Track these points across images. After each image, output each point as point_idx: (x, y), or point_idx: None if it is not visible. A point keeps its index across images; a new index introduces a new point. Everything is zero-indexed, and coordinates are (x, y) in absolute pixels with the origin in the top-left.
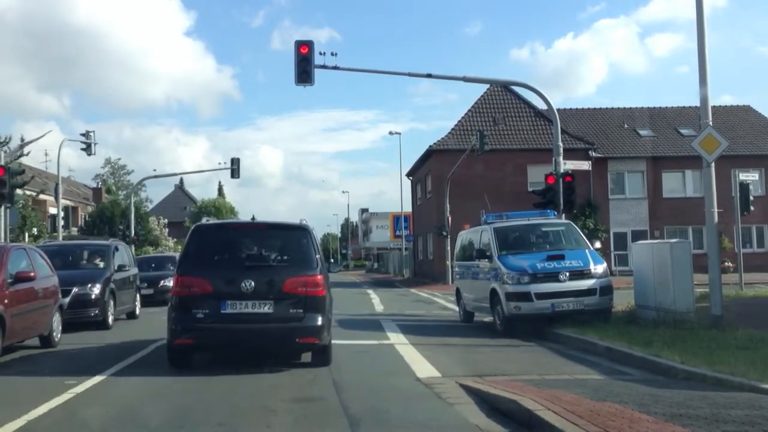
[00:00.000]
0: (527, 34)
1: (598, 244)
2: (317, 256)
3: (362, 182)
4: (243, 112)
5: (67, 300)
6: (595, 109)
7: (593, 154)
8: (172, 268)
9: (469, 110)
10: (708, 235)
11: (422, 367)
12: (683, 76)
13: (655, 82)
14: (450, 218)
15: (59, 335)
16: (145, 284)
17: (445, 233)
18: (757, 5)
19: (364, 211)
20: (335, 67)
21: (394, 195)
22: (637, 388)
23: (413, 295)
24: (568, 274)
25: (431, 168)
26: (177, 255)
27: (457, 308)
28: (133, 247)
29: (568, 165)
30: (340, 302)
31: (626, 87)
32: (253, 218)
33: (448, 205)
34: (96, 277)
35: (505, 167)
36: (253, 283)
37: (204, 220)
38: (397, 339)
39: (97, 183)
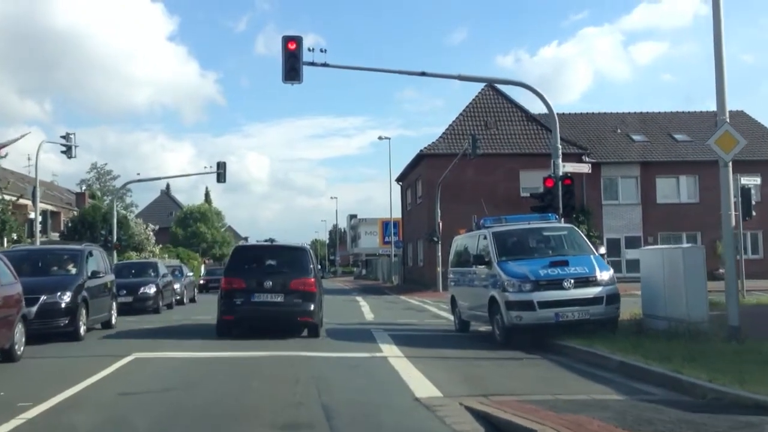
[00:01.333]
0: (512, 42)
1: (602, 250)
2: (311, 266)
3: (350, 188)
4: (228, 117)
5: (34, 309)
6: (587, 114)
7: (586, 159)
8: (153, 274)
9: (461, 114)
10: (725, 240)
11: (420, 384)
12: (667, 84)
13: (640, 90)
14: (441, 224)
15: (22, 348)
16: (124, 291)
17: (436, 239)
18: (741, 13)
19: (352, 217)
20: (324, 64)
21: (383, 201)
22: (668, 412)
23: (404, 302)
24: (572, 281)
25: (422, 172)
26: (158, 261)
27: (451, 317)
28: (115, 253)
29: (567, 167)
30: (329, 310)
31: (611, 95)
32: (272, 241)
33: (439, 210)
34: (66, 284)
35: (498, 172)
36: (271, 283)
37: (241, 242)
38: (390, 351)
39: (81, 187)
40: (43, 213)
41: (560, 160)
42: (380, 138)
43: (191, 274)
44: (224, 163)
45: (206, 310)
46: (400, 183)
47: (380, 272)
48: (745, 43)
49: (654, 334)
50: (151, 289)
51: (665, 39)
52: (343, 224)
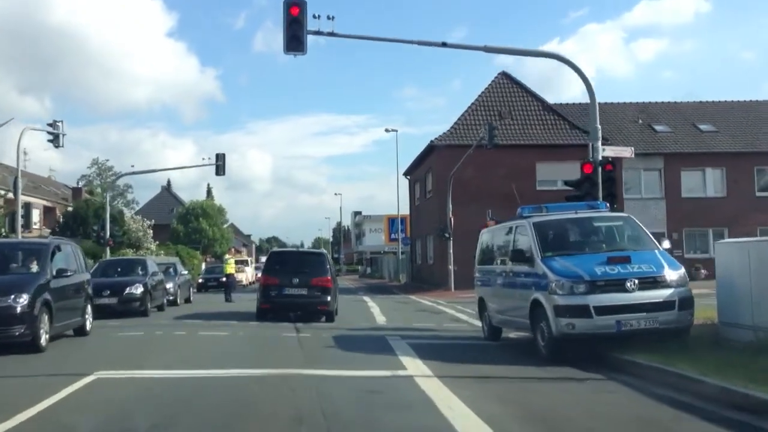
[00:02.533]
0: (512, 40)
1: (666, 244)
2: (328, 267)
3: (353, 186)
4: (228, 114)
5: None
6: (606, 103)
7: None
8: (141, 273)
9: (473, 104)
10: None
11: (470, 424)
12: (668, 80)
13: (642, 87)
14: (453, 219)
15: None
16: (107, 292)
17: (447, 235)
18: (741, 11)
19: (357, 214)
20: (331, 34)
21: (385, 199)
22: None
23: (415, 303)
24: (636, 281)
25: (432, 165)
26: (147, 258)
27: (474, 321)
28: (108, 250)
29: (606, 152)
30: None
31: (612, 91)
32: (298, 247)
33: (450, 205)
34: (24, 284)
35: (512, 164)
36: (297, 280)
37: (275, 249)
38: (415, 368)
39: (77, 182)
40: (26, 206)
41: (600, 142)
42: (387, 131)
43: (186, 272)
44: (223, 155)
45: (201, 311)
46: (408, 177)
47: (386, 270)
48: (746, 40)
49: (739, 346)
50: (138, 289)
51: (666, 36)
52: (347, 222)
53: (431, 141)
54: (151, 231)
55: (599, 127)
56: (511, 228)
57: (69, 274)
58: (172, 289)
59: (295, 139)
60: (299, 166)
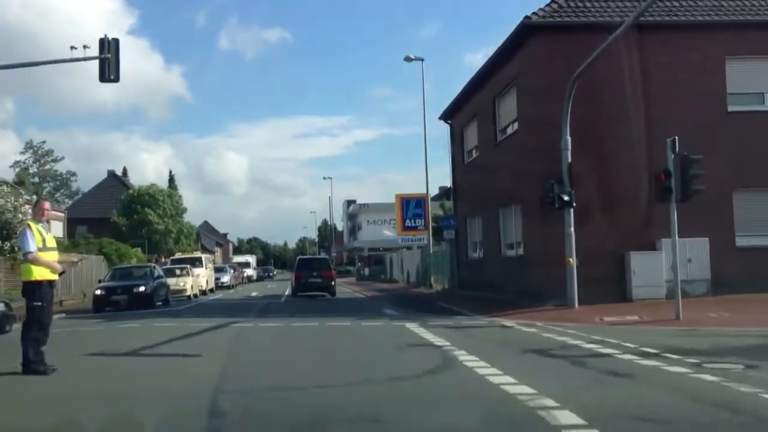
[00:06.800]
0: (485, 37)
1: None
2: (331, 264)
3: (336, 188)
4: (199, 115)
5: None
6: None
7: None
8: None
9: None
10: None
11: None
12: None
13: None
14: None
15: None
16: None
17: (566, 198)
18: None
19: (350, 203)
20: None
21: (369, 200)
22: None
23: (625, 363)
24: None
25: (524, 68)
26: None
27: None
28: None
29: None
30: None
31: None
32: (317, 254)
33: (568, 138)
34: None
35: (679, 62)
36: (315, 273)
37: (301, 256)
38: None
39: (14, 170)
40: None
41: None
42: (407, 59)
43: None
44: (116, 41)
45: None
46: (449, 122)
47: (401, 271)
48: None
49: None
50: None
51: None
52: (337, 218)
53: (526, 17)
54: (30, 208)
55: None
56: None
57: None
58: None
59: (275, 141)
60: (280, 169)
